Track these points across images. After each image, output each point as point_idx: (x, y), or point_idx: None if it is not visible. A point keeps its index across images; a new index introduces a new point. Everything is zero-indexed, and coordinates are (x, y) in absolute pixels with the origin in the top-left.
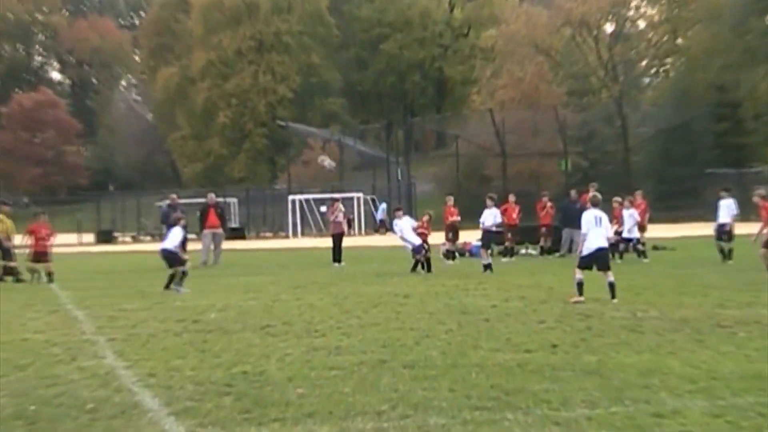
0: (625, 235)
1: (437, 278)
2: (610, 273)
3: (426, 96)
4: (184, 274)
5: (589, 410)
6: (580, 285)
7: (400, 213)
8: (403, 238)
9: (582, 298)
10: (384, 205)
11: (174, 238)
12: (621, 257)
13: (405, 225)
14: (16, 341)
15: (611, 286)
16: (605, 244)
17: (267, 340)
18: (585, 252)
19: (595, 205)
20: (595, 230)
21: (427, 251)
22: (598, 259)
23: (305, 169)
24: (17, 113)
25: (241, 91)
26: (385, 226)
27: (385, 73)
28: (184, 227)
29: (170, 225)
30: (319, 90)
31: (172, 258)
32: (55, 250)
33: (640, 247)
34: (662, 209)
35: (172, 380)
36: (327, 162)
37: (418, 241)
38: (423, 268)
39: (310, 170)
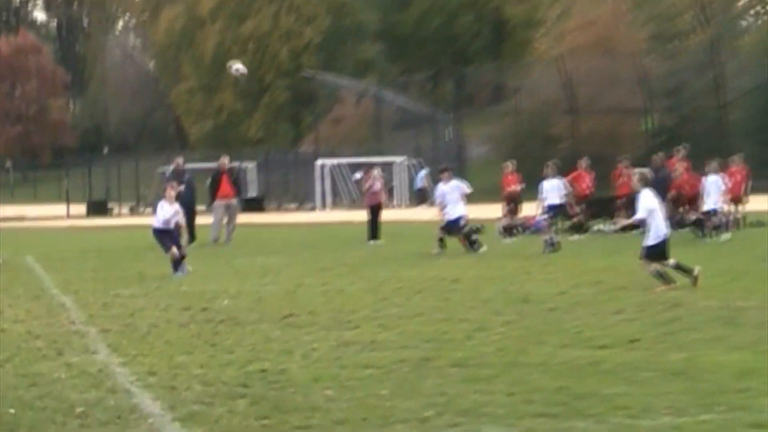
0: (709, 206)
1: (492, 260)
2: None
3: (480, 41)
4: (180, 257)
5: (675, 418)
6: (662, 275)
7: (447, 175)
8: (442, 206)
9: (670, 285)
10: (425, 171)
11: (159, 214)
12: (712, 236)
13: (451, 190)
14: None
15: (682, 267)
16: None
17: (288, 333)
18: (656, 240)
19: (648, 185)
20: (660, 212)
21: (462, 228)
22: (665, 248)
23: (335, 129)
24: None
25: (260, 35)
26: (426, 196)
27: (431, 13)
28: (184, 198)
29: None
30: (352, 33)
31: (160, 240)
32: (38, 224)
33: (714, 220)
34: (766, 177)
35: (176, 380)
36: (237, 68)
37: (460, 212)
38: (443, 245)
39: (341, 129)
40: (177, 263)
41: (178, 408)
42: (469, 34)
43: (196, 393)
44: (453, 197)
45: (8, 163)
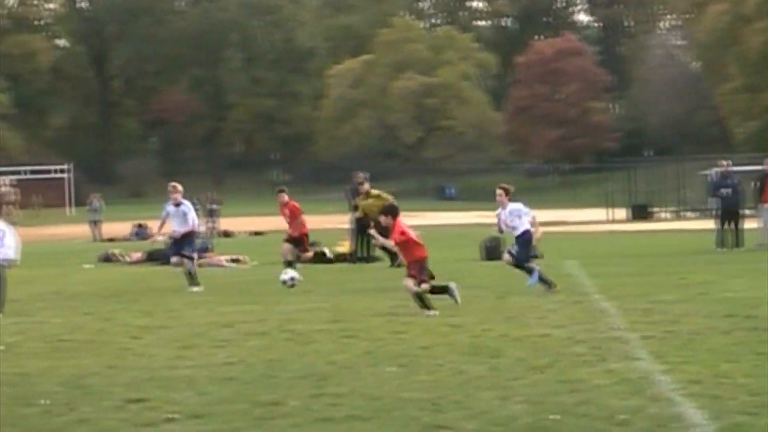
0: None
1: None
2: None
3: None
4: None
5: None
6: None
7: None
8: None
9: None
10: None
11: None
12: None
13: None
14: (533, 337)
15: None
16: None
17: None
18: None
19: None
20: None
21: None
22: None
23: None
24: (535, 63)
25: None
26: None
27: None
28: (730, 202)
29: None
30: None
31: None
32: (579, 228)
33: None
34: None
35: (719, 389)
36: (289, 277)
37: None
38: None
39: None
40: None
41: (723, 418)
42: None
43: (740, 403)
44: None
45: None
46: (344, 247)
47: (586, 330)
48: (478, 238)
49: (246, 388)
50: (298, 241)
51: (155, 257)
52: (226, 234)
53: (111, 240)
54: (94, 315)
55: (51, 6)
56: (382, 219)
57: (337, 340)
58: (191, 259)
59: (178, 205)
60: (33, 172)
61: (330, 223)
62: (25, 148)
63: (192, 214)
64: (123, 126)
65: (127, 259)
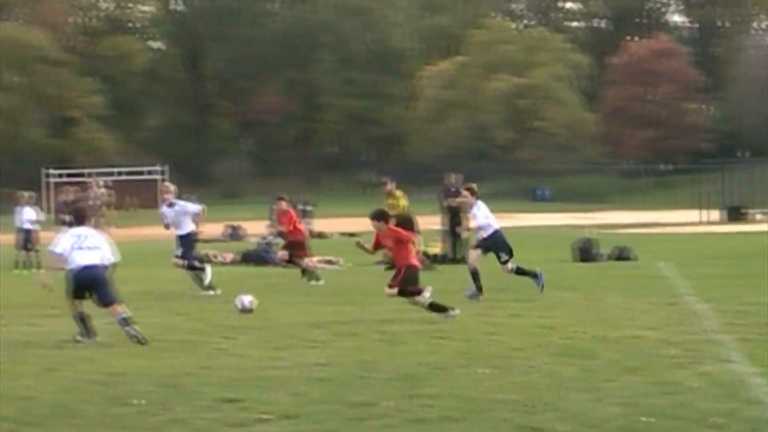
0: None
1: None
2: None
3: None
4: None
5: None
6: None
7: None
8: None
9: None
10: None
11: None
12: None
13: None
14: (626, 339)
15: None
16: None
17: None
18: None
19: None
20: None
21: None
22: None
23: None
24: (629, 64)
25: None
26: None
27: None
28: None
29: None
30: None
31: None
32: (672, 229)
33: None
34: None
35: None
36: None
37: None
38: None
39: None
40: None
41: None
42: None
43: None
44: None
45: (665, 167)
46: (435, 248)
47: (680, 332)
48: (570, 240)
49: (338, 388)
50: (297, 245)
51: (250, 258)
52: (321, 235)
53: (204, 241)
54: (188, 315)
55: (145, 8)
56: (374, 224)
57: (429, 341)
58: (200, 269)
59: (171, 205)
60: (128, 173)
61: (421, 225)
62: (120, 149)
63: (191, 207)
64: (217, 127)
65: (221, 259)
